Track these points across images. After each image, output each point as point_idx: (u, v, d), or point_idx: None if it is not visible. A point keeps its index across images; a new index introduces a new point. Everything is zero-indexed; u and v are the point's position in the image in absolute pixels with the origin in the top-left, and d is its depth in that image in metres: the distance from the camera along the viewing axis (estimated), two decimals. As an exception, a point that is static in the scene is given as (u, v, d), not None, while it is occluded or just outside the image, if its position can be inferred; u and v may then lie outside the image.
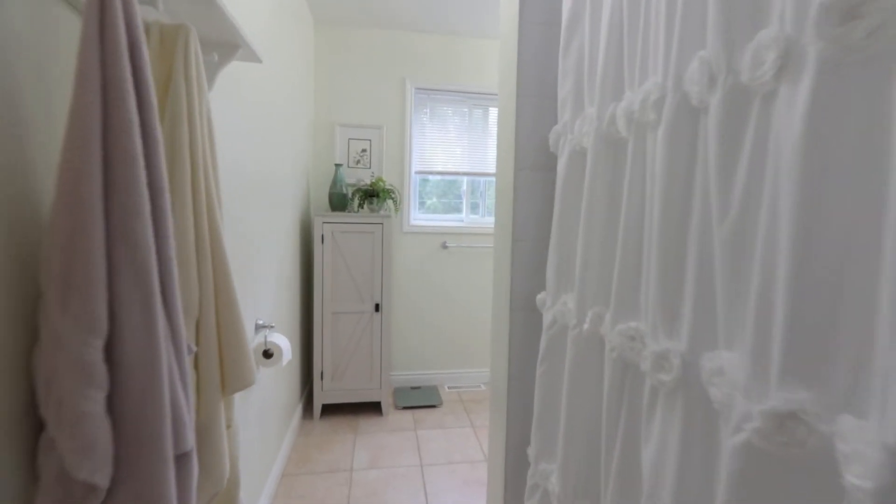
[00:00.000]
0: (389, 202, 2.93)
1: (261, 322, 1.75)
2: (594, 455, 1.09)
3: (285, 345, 1.76)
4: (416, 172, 3.20)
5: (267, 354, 1.72)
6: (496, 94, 3.22)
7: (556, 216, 1.26)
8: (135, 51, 0.66)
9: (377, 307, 2.71)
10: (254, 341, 1.71)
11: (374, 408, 2.85)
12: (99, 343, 0.59)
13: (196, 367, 0.86)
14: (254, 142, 1.71)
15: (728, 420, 0.70)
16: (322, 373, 2.69)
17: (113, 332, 0.61)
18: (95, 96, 0.62)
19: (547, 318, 1.27)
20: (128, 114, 0.63)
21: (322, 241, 2.63)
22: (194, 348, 0.74)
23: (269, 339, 1.71)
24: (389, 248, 2.71)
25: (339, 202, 2.79)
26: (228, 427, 0.92)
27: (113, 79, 0.63)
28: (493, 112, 3.29)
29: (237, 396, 1.02)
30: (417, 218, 3.26)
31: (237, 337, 0.91)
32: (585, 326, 1.08)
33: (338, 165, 2.83)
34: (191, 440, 0.69)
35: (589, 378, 1.10)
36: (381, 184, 2.80)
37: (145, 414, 0.63)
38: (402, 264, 3.18)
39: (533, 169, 1.38)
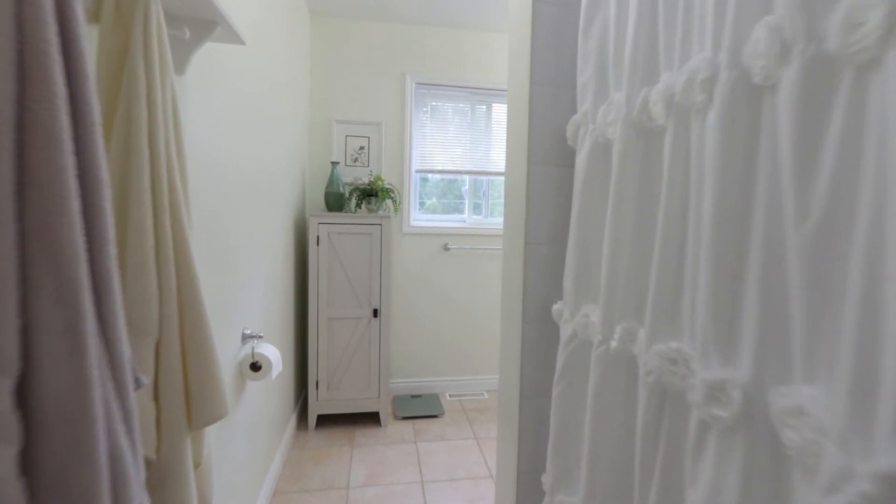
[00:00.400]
0: (388, 202, 2.79)
1: (248, 332, 1.61)
2: (624, 492, 0.95)
3: (275, 356, 1.62)
4: (417, 171, 3.06)
5: (255, 367, 1.58)
6: (501, 90, 3.10)
7: (574, 217, 1.12)
8: (64, 8, 0.52)
9: (375, 313, 2.57)
10: (240, 353, 1.57)
11: (372, 418, 2.71)
12: (7, 385, 0.45)
13: (156, 398, 0.72)
14: (241, 136, 1.57)
15: (811, 472, 0.56)
16: (317, 382, 2.55)
17: (27, 370, 0.47)
18: (8, 63, 0.48)
19: (565, 332, 1.13)
20: (50, 85, 0.49)
21: (317, 243, 2.49)
22: (145, 380, 0.60)
23: (256, 350, 1.57)
24: (388, 249, 2.57)
25: (335, 202, 2.65)
26: (197, 466, 0.78)
27: (32, 41, 0.49)
28: (497, 109, 3.15)
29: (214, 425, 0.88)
30: (418, 218, 3.12)
31: (207, 361, 0.77)
32: (613, 344, 0.94)
33: (334, 163, 2.68)
34: (138, 499, 0.55)
35: (617, 402, 0.96)
36: (379, 182, 2.66)
37: (73, 473, 0.48)
38: (402, 267, 3.04)
39: (547, 164, 1.24)
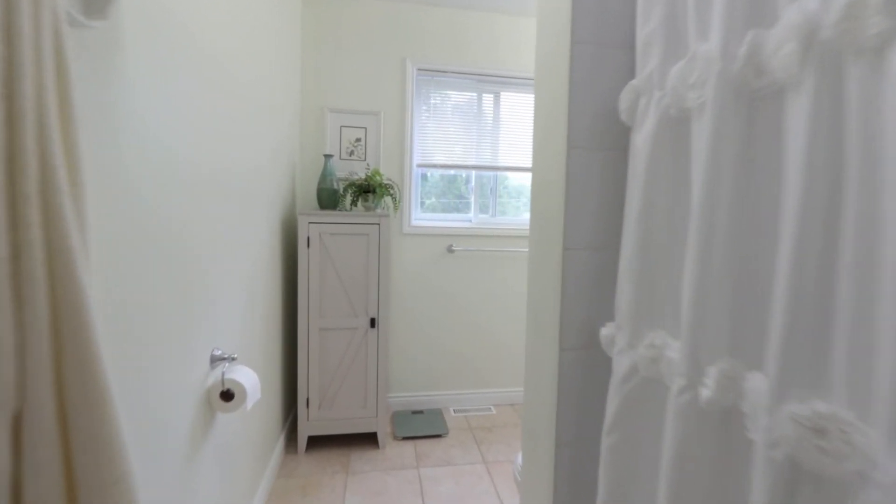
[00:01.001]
0: (387, 199, 2.52)
1: (219, 353, 1.33)
2: None
3: (251, 382, 1.34)
4: (419, 166, 2.79)
5: (226, 395, 1.30)
6: (511, 77, 2.82)
7: (634, 214, 0.85)
8: None
9: (373, 322, 2.30)
10: (208, 379, 1.29)
11: (369, 439, 2.43)
12: None
13: (17, 499, 0.44)
14: (216, 128, 1.29)
15: None
16: (308, 400, 2.27)
17: None
18: None
19: (621, 365, 0.86)
20: None
21: (308, 245, 2.21)
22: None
23: (228, 375, 1.29)
24: (387, 252, 2.30)
25: (328, 199, 2.38)
26: None
27: None
28: (507, 98, 2.88)
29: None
30: (419, 218, 2.84)
31: (104, 443, 0.49)
32: (707, 393, 0.67)
33: (328, 157, 2.40)
34: None
35: (713, 475, 0.69)
36: (377, 177, 2.38)
37: None
38: (402, 270, 2.76)
39: (591, 148, 0.97)
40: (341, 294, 2.26)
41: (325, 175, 2.40)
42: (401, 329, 2.79)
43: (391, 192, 2.43)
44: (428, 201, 2.90)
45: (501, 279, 2.87)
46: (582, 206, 0.97)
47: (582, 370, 0.97)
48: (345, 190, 2.41)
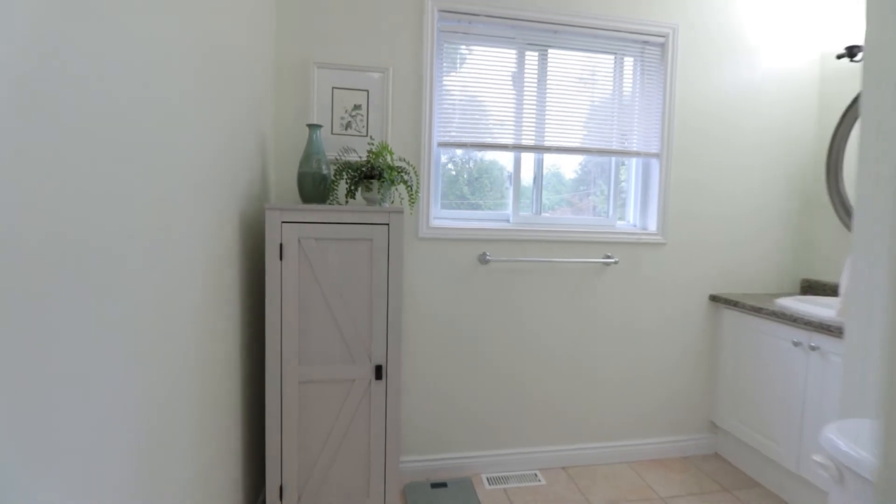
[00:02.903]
0: (400, 189, 1.75)
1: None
2: None
3: None
4: (440, 144, 2.01)
5: None
6: (570, 25, 2.03)
7: None
8: None
9: (379, 372, 1.51)
10: None
11: (372, 537, 1.65)
12: None
13: None
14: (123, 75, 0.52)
15: None
16: (282, 489, 1.49)
17: None
18: None
19: None
20: None
21: (280, 255, 1.43)
22: None
23: None
24: (400, 265, 1.52)
25: (314, 188, 1.60)
26: None
27: None
28: (556, 57, 2.10)
29: None
30: (440, 216, 2.07)
31: None
32: None
33: (313, 128, 1.63)
34: None
35: None
36: (386, 155, 1.60)
37: None
38: (416, 290, 1.98)
39: None
40: (332, 330, 1.48)
41: (310, 154, 1.62)
42: (417, 371, 2.00)
43: (406, 178, 1.64)
44: (447, 198, 2.12)
45: (554, 297, 2.10)
46: None
47: None
48: (338, 175, 1.63)
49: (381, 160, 1.58)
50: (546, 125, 2.10)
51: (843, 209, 2.15)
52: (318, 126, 1.65)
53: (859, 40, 2.09)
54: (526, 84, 2.09)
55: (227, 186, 1.26)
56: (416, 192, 1.68)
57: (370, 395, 1.52)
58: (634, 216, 2.28)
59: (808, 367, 1.84)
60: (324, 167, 1.64)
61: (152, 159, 0.83)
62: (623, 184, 2.29)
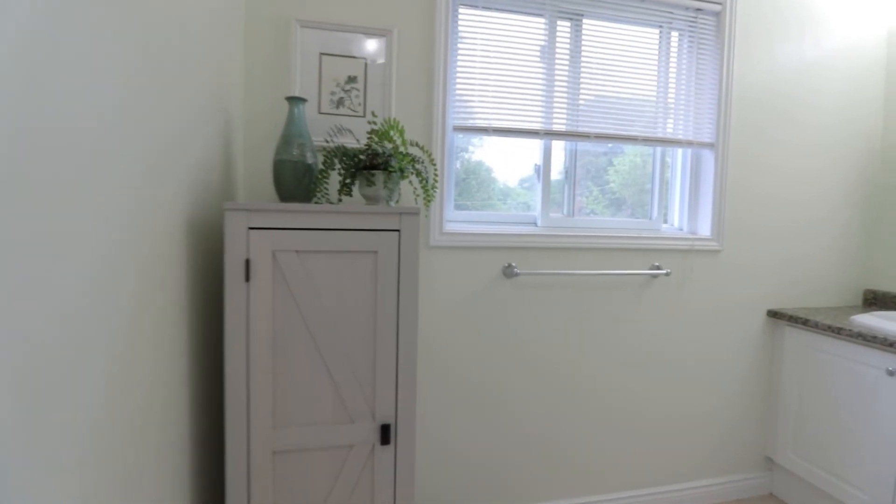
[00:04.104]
0: (413, 181, 1.33)
1: None
2: None
3: None
4: (456, 129, 1.59)
5: None
6: None
7: None
8: None
9: (386, 433, 1.09)
10: None
11: None
12: None
13: None
14: None
15: None
16: None
17: None
18: None
19: None
20: None
21: (247, 277, 0.99)
22: None
23: None
24: (415, 285, 1.09)
25: (295, 183, 1.17)
26: None
27: None
28: (593, 27, 1.70)
29: None
30: (455, 219, 1.65)
31: None
32: None
33: (295, 102, 1.20)
34: None
35: None
36: (395, 137, 1.17)
37: None
38: (427, 313, 1.56)
39: None
40: (321, 378, 1.05)
41: (290, 136, 1.19)
42: (426, 423, 1.58)
43: (419, 167, 1.21)
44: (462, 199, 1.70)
45: (591, 324, 1.70)
46: None
47: None
48: (328, 164, 1.19)
49: (387, 144, 1.16)
50: (580, 109, 1.70)
51: (928, 210, 1.79)
52: (301, 100, 1.22)
53: (950, 9, 1.75)
54: (557, 60, 1.68)
55: (162, 181, 0.82)
56: (434, 187, 1.25)
57: (373, 466, 1.09)
58: (680, 218, 1.90)
59: (908, 402, 1.47)
60: (308, 154, 1.21)
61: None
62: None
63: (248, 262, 0.99)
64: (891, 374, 1.51)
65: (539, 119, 1.66)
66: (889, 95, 1.98)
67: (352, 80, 1.43)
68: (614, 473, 1.78)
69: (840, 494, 1.65)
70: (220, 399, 1.21)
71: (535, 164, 1.74)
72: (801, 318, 1.78)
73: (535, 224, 1.73)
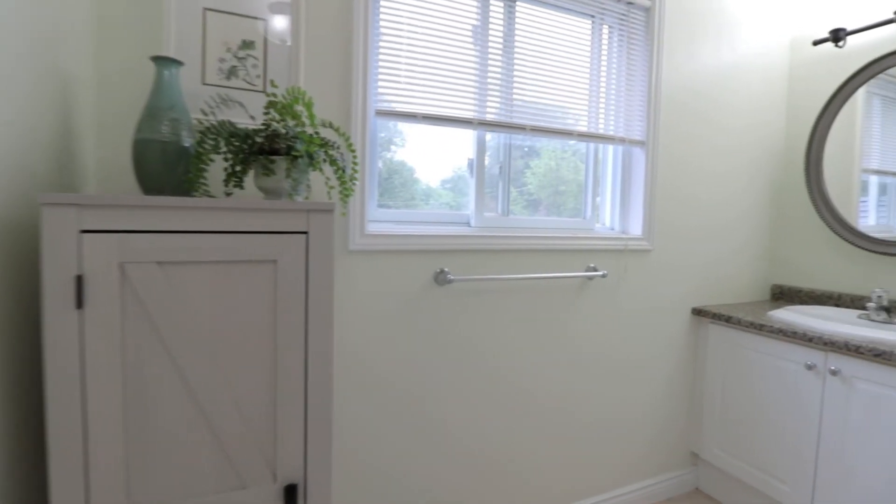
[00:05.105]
0: (326, 171, 1.07)
1: None
2: None
3: None
4: (379, 114, 1.35)
5: None
6: None
7: None
8: None
9: (292, 496, 0.83)
10: None
11: None
12: None
13: None
14: None
15: None
16: None
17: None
18: None
19: None
20: None
21: (79, 302, 0.69)
22: None
23: None
24: (329, 300, 0.84)
25: (164, 169, 0.87)
26: None
27: None
28: (528, 12, 1.56)
29: None
30: (379, 219, 1.42)
31: None
32: None
33: (164, 64, 0.90)
34: None
35: None
36: (298, 111, 0.91)
37: None
38: (345, 329, 1.31)
39: None
40: (197, 431, 0.76)
41: (157, 109, 0.89)
42: (346, 449, 1.33)
43: (334, 152, 0.96)
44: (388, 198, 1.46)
45: (526, 330, 1.55)
46: None
47: None
48: (210, 145, 0.89)
49: (291, 122, 0.90)
50: (514, 100, 1.55)
51: (828, 210, 1.89)
52: (175, 63, 0.92)
53: (846, 23, 1.85)
54: (491, 45, 1.51)
55: None
56: (353, 178, 1.00)
57: (277, 538, 0.83)
58: (612, 218, 1.83)
59: (824, 395, 1.51)
60: (185, 133, 0.91)
61: None
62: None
63: (79, 280, 0.68)
64: (809, 368, 1.53)
65: (472, 107, 1.48)
66: (791, 100, 2.08)
67: (248, 45, 1.14)
68: (553, 484, 1.66)
69: (763, 487, 1.67)
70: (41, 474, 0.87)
71: (469, 159, 1.56)
72: (723, 316, 1.79)
73: (468, 224, 1.55)
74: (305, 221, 0.81)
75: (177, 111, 0.93)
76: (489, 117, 1.50)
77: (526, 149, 1.70)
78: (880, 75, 1.75)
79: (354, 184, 1.02)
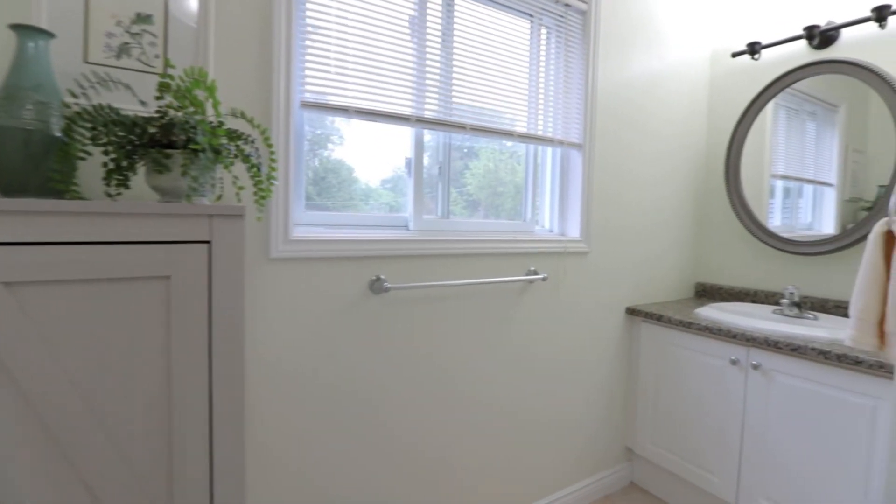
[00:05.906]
0: (236, 170, 0.93)
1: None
2: None
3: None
4: (305, 105, 1.22)
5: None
6: None
7: None
8: None
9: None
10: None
11: None
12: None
13: None
14: None
15: None
16: None
17: None
18: None
19: None
20: None
21: None
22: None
23: None
24: (239, 323, 0.71)
25: (24, 162, 0.69)
26: None
27: None
28: (467, 7, 1.49)
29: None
30: (307, 222, 1.28)
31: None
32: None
33: (27, 32, 0.72)
34: None
35: None
36: (201, 97, 0.77)
37: None
38: (270, 343, 1.16)
39: None
40: (74, 487, 0.61)
41: (20, 89, 0.71)
42: (270, 459, 1.18)
43: (247, 146, 0.82)
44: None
45: (469, 336, 1.49)
46: None
47: None
48: (74, 134, 0.73)
49: (189, 101, 0.75)
50: (453, 98, 1.48)
51: (745, 213, 2.00)
52: (42, 34, 0.75)
53: (761, 37, 1.96)
54: (428, 38, 1.43)
55: None
56: (270, 177, 0.87)
57: None
58: (551, 220, 1.81)
59: (747, 388, 1.58)
60: (54, 120, 0.74)
61: None
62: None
63: None
64: (733, 363, 1.60)
65: (410, 104, 1.38)
66: (711, 109, 2.19)
67: (143, 19, 0.96)
68: (495, 488, 1.61)
69: (694, 479, 1.72)
70: None
71: (406, 158, 1.46)
72: (655, 315, 1.84)
73: (406, 227, 1.45)
74: (208, 228, 0.68)
75: (44, 93, 0.75)
76: (427, 115, 1.41)
77: (465, 150, 1.64)
78: (787, 89, 1.87)
79: (273, 183, 0.89)
